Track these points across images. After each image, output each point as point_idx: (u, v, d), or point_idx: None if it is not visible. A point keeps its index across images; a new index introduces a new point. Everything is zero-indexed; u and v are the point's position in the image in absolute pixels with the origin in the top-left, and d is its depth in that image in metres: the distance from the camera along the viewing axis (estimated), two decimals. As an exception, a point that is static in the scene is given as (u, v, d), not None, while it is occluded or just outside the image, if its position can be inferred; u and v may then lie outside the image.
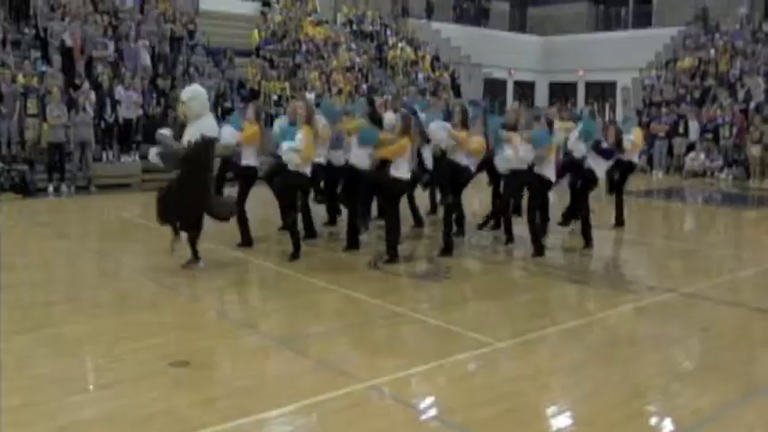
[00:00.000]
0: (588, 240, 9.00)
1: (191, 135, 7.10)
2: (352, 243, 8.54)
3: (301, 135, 7.76)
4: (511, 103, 28.13)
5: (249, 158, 8.55)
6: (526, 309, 6.53)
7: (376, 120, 9.08)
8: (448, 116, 9.42)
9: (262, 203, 10.02)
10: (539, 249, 8.48)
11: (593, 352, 5.41)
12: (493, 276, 8.11)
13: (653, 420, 4.25)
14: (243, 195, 8.56)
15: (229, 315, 6.27)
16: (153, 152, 7.35)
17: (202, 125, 7.13)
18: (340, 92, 19.93)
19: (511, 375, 4.92)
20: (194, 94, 7.26)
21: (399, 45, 24.77)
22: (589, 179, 9.05)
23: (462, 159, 8.49)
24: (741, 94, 20.79)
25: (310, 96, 17.22)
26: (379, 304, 6.40)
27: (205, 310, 6.43)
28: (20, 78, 14.40)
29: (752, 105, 19.84)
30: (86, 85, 14.97)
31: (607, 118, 24.71)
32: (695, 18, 25.83)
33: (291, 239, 8.09)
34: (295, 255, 8.02)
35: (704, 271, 8.51)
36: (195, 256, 7.51)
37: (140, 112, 15.63)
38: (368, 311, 6.31)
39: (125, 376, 4.58)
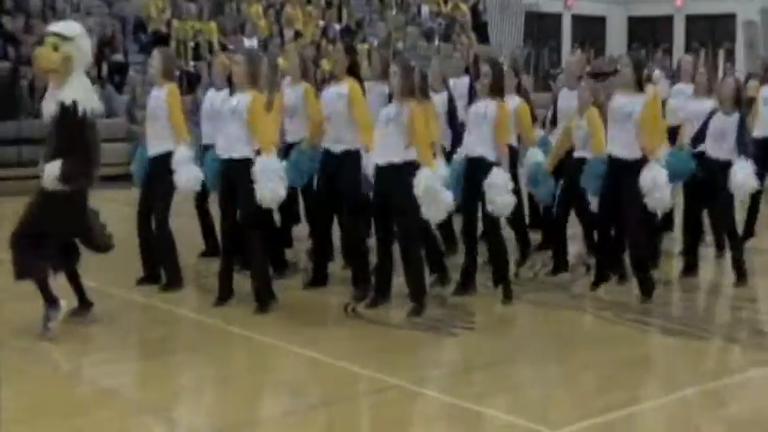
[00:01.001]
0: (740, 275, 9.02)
1: (61, 101, 6.83)
2: (320, 275, 8.61)
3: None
4: (569, 50, 28.32)
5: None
6: (594, 377, 6.53)
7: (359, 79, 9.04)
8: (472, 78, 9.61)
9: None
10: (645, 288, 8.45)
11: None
12: (542, 325, 8.14)
13: None
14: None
15: (123, 393, 6.26)
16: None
17: (78, 89, 6.96)
18: (298, 36, 19.96)
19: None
20: (81, 32, 7.14)
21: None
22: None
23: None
24: None
25: (250, 43, 17.28)
26: (360, 373, 6.42)
27: (86, 385, 6.46)
28: None
29: None
30: None
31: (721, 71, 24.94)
32: None
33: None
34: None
35: None
36: (54, 302, 6.96)
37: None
38: (344, 384, 6.32)
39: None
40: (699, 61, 25.62)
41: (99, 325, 7.57)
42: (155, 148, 8.58)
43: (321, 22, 21.43)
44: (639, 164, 7.97)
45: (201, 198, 9.63)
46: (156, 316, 8.18)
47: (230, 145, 7.84)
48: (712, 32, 28.51)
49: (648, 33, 29.33)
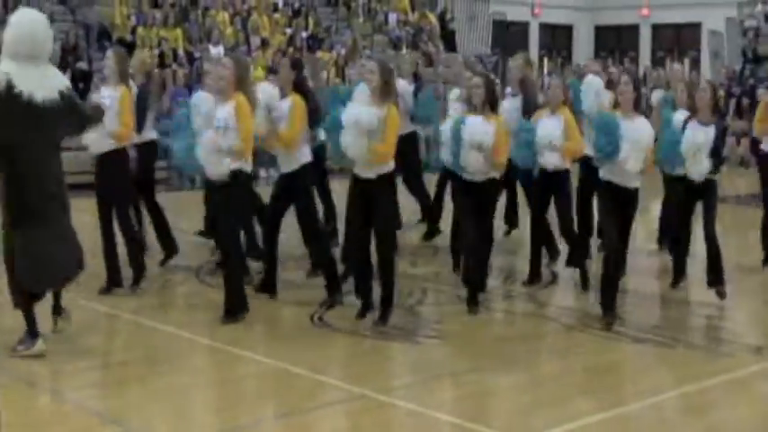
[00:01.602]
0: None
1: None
2: (269, 282, 8.62)
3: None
4: (537, 56, 28.47)
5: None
6: (559, 384, 6.51)
7: (305, 95, 8.99)
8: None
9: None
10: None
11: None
12: (508, 332, 8.13)
13: None
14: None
15: (89, 407, 6.20)
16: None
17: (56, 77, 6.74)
18: (264, 44, 19.95)
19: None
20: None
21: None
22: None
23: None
24: None
25: (216, 51, 17.25)
26: (325, 382, 6.40)
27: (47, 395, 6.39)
28: None
29: None
30: None
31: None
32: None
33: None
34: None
35: None
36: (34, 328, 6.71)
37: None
38: (311, 393, 6.29)
39: None
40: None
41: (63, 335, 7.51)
42: (101, 147, 8.56)
43: (288, 30, 21.42)
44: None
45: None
46: (122, 327, 8.14)
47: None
48: (678, 41, 28.73)
49: (615, 42, 29.55)
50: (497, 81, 10.25)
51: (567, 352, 7.31)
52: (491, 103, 7.82)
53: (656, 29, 29.74)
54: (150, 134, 9.77)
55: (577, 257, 9.13)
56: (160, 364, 6.91)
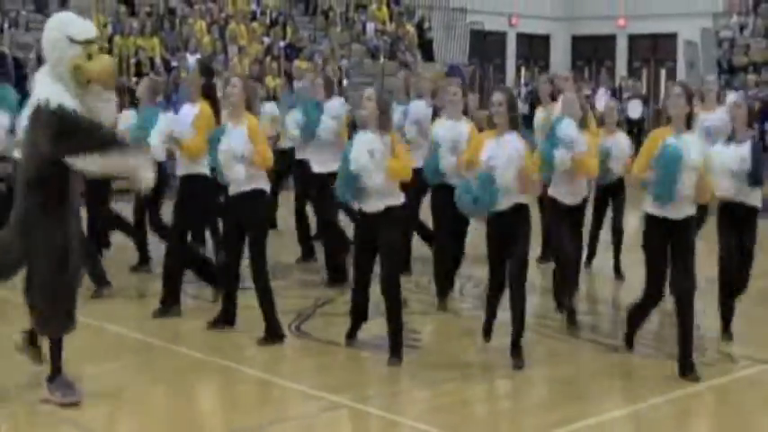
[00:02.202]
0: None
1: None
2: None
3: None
4: (515, 66, 28.49)
5: None
6: (540, 392, 6.57)
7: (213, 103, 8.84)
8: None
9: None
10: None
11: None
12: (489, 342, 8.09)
13: None
14: None
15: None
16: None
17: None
18: (242, 53, 19.91)
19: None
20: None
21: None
22: None
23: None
24: None
25: (192, 60, 17.19)
26: (304, 392, 6.38)
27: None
28: None
29: None
30: None
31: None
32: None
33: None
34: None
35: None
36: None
37: None
38: (291, 403, 6.33)
39: None
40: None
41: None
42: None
43: (266, 39, 21.39)
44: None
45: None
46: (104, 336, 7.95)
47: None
48: (654, 51, 28.85)
49: (591, 52, 29.62)
50: (475, 92, 10.03)
51: (547, 361, 7.29)
52: (515, 120, 6.81)
53: (633, 39, 29.84)
54: None
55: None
56: (144, 374, 6.89)
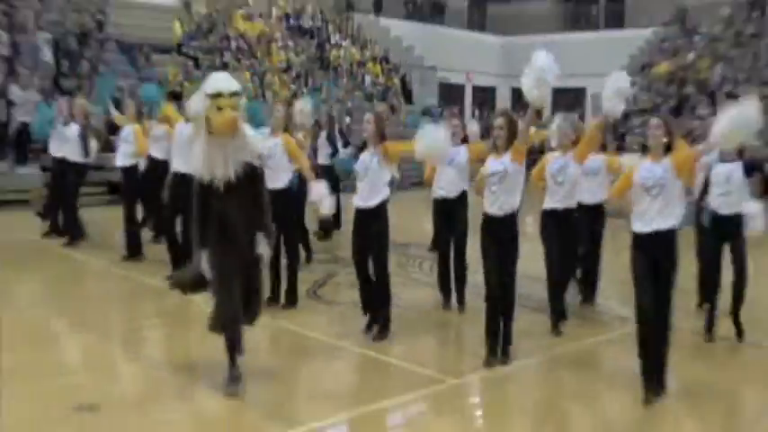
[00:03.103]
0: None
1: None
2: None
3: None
4: (470, 111, 28.55)
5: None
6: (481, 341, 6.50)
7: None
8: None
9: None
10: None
11: (562, 388, 5.58)
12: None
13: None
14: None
15: (146, 354, 6.23)
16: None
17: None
18: (275, 96, 19.92)
19: (469, 416, 5.01)
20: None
21: (343, 44, 24.99)
22: None
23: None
24: (722, 104, 21.51)
25: (241, 102, 17.18)
26: (317, 338, 6.46)
27: (121, 347, 6.40)
28: None
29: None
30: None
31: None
32: (673, 19, 26.62)
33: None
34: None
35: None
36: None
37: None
38: (305, 346, 6.35)
39: (24, 420, 4.53)
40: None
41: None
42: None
43: (292, 86, 21.40)
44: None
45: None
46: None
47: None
48: (571, 100, 28.92)
49: (524, 100, 29.53)
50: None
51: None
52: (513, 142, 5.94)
53: (555, 91, 29.71)
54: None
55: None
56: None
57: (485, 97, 30.88)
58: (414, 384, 5.43)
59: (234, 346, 5.01)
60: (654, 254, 5.06)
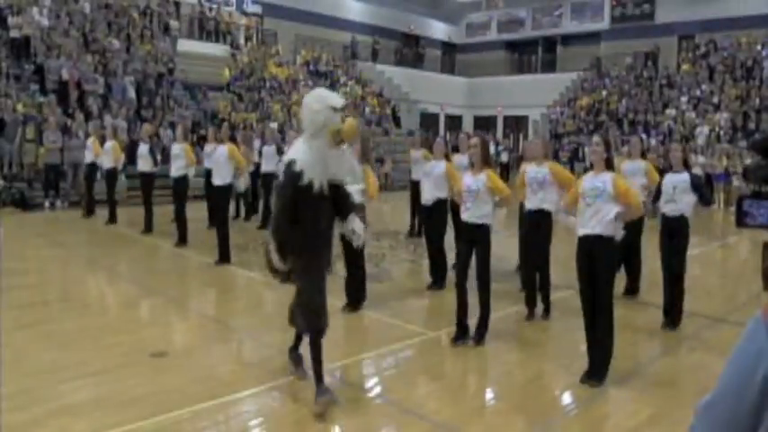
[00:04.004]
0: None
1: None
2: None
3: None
4: (444, 132, 28.52)
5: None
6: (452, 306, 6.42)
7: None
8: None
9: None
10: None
11: (521, 342, 5.54)
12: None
13: (556, 393, 4.37)
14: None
15: (203, 312, 6.18)
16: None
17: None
18: (299, 122, 19.81)
19: (438, 360, 4.97)
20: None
21: (349, 83, 24.86)
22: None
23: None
24: (626, 128, 21.58)
25: (273, 126, 17.13)
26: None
27: (183, 308, 6.33)
28: (20, 107, 13.98)
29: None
30: (79, 114, 14.61)
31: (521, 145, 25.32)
32: (591, 65, 26.66)
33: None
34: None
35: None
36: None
37: (126, 137, 15.29)
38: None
39: (111, 365, 4.49)
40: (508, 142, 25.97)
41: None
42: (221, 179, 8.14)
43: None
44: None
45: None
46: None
47: None
48: (516, 125, 28.92)
49: (485, 125, 29.55)
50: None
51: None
52: (486, 159, 5.20)
53: (506, 118, 29.83)
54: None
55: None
56: (260, 297, 6.81)
57: (454, 123, 30.78)
58: (403, 336, 5.38)
59: (320, 359, 3.94)
60: (590, 253, 4.37)
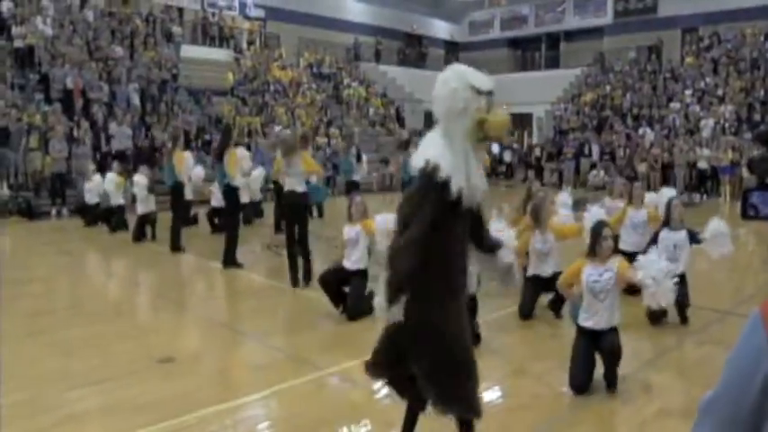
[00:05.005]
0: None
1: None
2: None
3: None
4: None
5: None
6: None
7: None
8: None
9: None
10: None
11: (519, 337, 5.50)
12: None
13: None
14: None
15: (210, 317, 6.18)
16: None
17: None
18: (303, 125, 19.88)
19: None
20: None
21: (353, 85, 24.87)
22: None
23: None
24: (630, 122, 21.50)
25: (278, 129, 17.15)
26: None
27: (189, 313, 6.34)
28: (25, 117, 14.05)
29: (640, 132, 20.55)
30: (84, 122, 14.67)
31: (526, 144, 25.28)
32: (594, 61, 26.55)
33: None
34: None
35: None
36: None
37: (131, 144, 15.36)
38: (319, 310, 6.24)
39: (118, 372, 4.49)
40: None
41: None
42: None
43: (316, 118, 21.36)
44: None
45: None
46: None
47: None
48: (521, 122, 28.82)
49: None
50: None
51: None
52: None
53: (510, 115, 29.47)
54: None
55: None
56: (265, 301, 6.81)
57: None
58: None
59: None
60: (597, 343, 4.17)
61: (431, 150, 2.66)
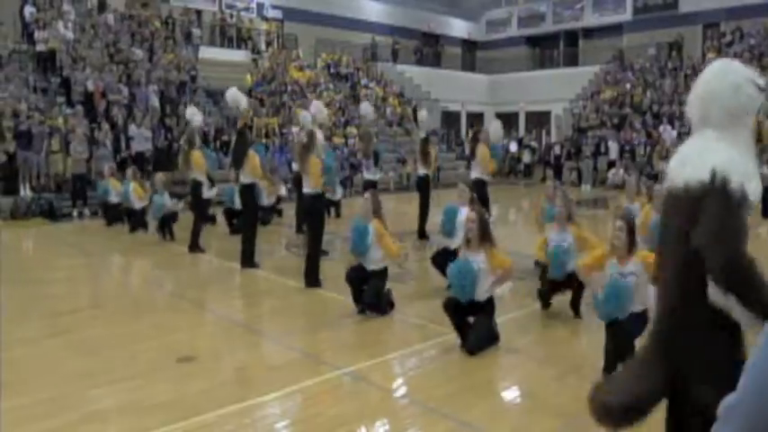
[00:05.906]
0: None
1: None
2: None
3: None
4: (465, 130, 28.36)
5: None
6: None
7: None
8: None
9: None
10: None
11: (538, 335, 5.48)
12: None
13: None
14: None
15: (229, 317, 6.23)
16: None
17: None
18: (321, 125, 19.90)
19: (462, 360, 4.95)
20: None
21: (370, 84, 24.89)
22: None
23: None
24: (650, 120, 21.27)
25: (296, 130, 17.20)
26: (349, 303, 6.37)
27: (209, 313, 6.40)
28: (47, 120, 14.28)
29: (660, 129, 20.32)
30: (105, 124, 14.87)
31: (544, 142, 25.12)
32: (613, 58, 26.30)
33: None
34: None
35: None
36: None
37: (150, 146, 15.53)
38: (337, 310, 6.26)
39: (139, 371, 4.56)
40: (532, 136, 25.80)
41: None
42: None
43: (333, 118, 21.38)
44: None
45: None
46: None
47: None
48: (539, 120, 28.68)
49: (506, 121, 29.28)
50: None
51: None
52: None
53: (528, 114, 29.61)
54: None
55: None
56: (282, 300, 6.85)
57: (475, 120, 30.63)
58: (427, 336, 5.37)
59: None
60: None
61: (712, 157, 2.24)
